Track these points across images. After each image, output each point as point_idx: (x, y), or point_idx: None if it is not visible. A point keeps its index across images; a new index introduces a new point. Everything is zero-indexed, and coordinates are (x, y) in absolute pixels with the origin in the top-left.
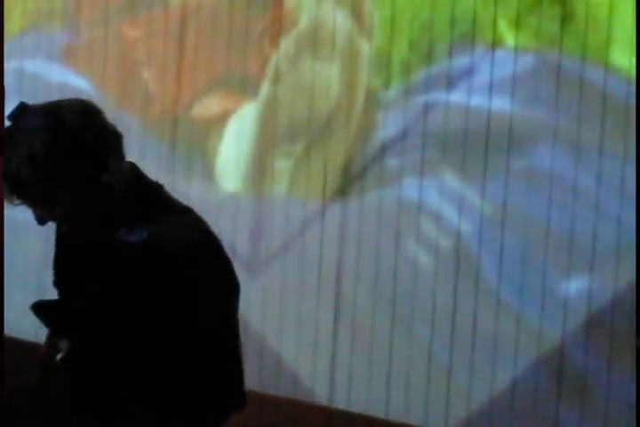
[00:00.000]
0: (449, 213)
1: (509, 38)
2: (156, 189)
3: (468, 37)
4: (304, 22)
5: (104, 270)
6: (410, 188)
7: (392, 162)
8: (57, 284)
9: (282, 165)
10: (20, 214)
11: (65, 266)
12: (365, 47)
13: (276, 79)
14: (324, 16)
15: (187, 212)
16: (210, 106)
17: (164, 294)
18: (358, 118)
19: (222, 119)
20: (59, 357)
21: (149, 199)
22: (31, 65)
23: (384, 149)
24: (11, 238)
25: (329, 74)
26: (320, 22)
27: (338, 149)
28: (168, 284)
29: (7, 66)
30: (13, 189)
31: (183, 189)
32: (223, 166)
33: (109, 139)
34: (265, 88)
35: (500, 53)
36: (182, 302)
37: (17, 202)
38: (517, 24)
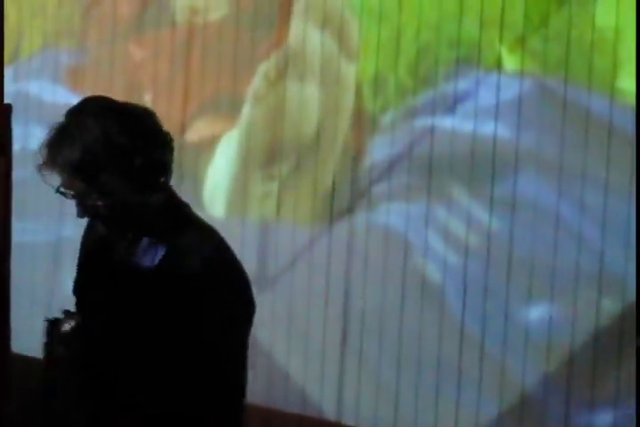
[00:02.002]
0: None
1: (512, 62)
2: (183, 208)
3: (468, 60)
4: (288, 44)
5: (120, 290)
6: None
7: (377, 188)
8: (77, 291)
9: (266, 189)
10: (27, 238)
11: (89, 275)
12: (351, 70)
13: (257, 101)
14: (308, 38)
15: (209, 231)
16: (213, 128)
17: (177, 312)
18: (347, 141)
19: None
20: (66, 327)
21: (177, 216)
22: (37, 86)
23: (371, 174)
24: (18, 261)
25: (311, 96)
26: (303, 44)
27: (326, 172)
28: (182, 303)
29: (15, 86)
30: (75, 171)
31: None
32: (211, 191)
33: (170, 142)
34: (246, 110)
35: (496, 77)
36: (193, 321)
37: (67, 189)
38: (521, 47)
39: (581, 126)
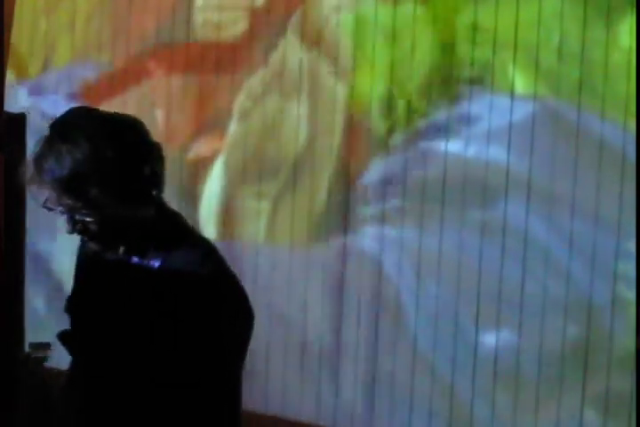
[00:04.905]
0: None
1: (525, 84)
2: (175, 218)
3: (480, 82)
4: (272, 61)
5: (115, 306)
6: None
7: (371, 210)
8: (72, 309)
9: (254, 207)
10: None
11: (84, 293)
12: (341, 88)
13: (243, 118)
14: (296, 55)
15: (202, 242)
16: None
17: (174, 326)
18: (346, 161)
19: None
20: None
21: (170, 228)
22: (51, 101)
23: (367, 196)
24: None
25: (297, 113)
26: (291, 61)
27: (317, 192)
28: (180, 316)
29: (30, 101)
30: (63, 187)
31: None
32: (204, 210)
33: (160, 152)
34: (232, 127)
35: (507, 99)
36: (191, 330)
37: (55, 205)
38: (535, 69)
39: (593, 151)
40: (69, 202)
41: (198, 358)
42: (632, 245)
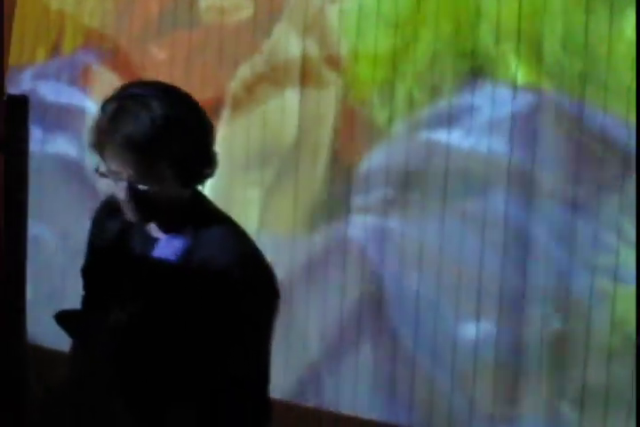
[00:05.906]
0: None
1: (527, 75)
2: (205, 198)
3: (479, 73)
4: (270, 48)
5: (143, 281)
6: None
7: (364, 200)
8: (88, 273)
9: (250, 195)
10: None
11: (107, 262)
12: (334, 77)
13: (235, 105)
14: (289, 43)
15: (233, 224)
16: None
17: (205, 307)
18: (341, 151)
19: None
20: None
21: (203, 208)
22: (50, 85)
23: (365, 185)
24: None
25: (290, 102)
26: (282, 49)
27: (309, 180)
28: (211, 297)
29: (32, 85)
30: (135, 152)
31: None
32: None
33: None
34: (225, 114)
35: (506, 91)
36: (216, 313)
37: (118, 171)
38: (537, 60)
39: (595, 144)
40: (135, 169)
41: (231, 337)
42: (631, 240)
